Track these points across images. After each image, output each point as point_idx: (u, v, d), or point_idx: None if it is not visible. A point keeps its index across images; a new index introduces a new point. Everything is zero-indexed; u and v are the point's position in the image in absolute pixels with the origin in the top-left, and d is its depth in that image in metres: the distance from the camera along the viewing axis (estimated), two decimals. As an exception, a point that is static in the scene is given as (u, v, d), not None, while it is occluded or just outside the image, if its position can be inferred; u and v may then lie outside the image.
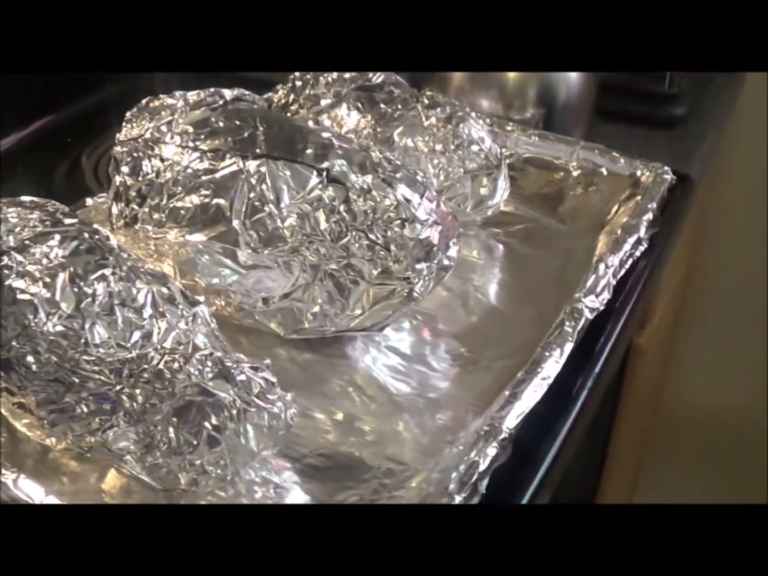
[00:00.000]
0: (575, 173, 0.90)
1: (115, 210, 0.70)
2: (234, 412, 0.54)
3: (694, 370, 1.73)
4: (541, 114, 1.03)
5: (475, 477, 0.55)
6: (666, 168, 0.89)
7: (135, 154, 0.69)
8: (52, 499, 0.55)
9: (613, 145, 0.93)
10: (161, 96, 0.72)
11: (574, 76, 1.03)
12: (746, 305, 1.62)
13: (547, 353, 0.64)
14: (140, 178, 0.68)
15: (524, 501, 0.58)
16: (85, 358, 0.54)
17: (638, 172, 0.88)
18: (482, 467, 0.55)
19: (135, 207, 0.68)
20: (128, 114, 0.72)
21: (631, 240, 0.78)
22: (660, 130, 1.17)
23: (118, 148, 0.70)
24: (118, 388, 0.54)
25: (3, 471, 0.56)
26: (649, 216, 0.81)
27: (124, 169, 0.69)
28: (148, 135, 0.69)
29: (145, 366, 0.54)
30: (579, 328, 0.67)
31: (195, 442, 0.53)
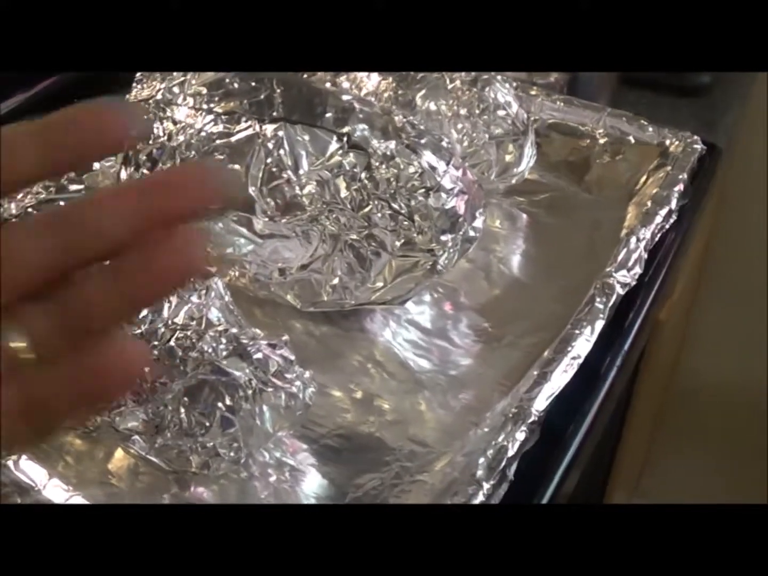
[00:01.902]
0: (602, 141, 0.86)
1: (124, 174, 0.66)
2: (249, 392, 0.51)
3: (710, 345, 1.70)
4: (566, 79, 0.99)
5: (503, 463, 0.52)
6: (696, 137, 0.85)
7: (146, 116, 0.65)
8: (55, 482, 0.52)
9: (638, 113, 0.89)
10: (173, 55, 0.69)
11: (600, 40, 1.00)
12: (763, 279, 1.60)
13: (577, 331, 0.61)
14: (151, 141, 0.64)
15: (552, 486, 0.56)
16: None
17: (667, 141, 0.85)
18: (511, 452, 0.52)
19: (146, 172, 0.64)
20: (138, 74, 0.68)
21: (663, 212, 0.75)
22: (685, 98, 1.14)
23: (127, 110, 0.67)
24: (126, 364, 0.51)
25: (3, 452, 0.53)
26: (680, 187, 0.78)
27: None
28: (159, 96, 0.65)
29: (155, 343, 0.51)
30: (611, 304, 0.64)
31: (207, 424, 0.51)
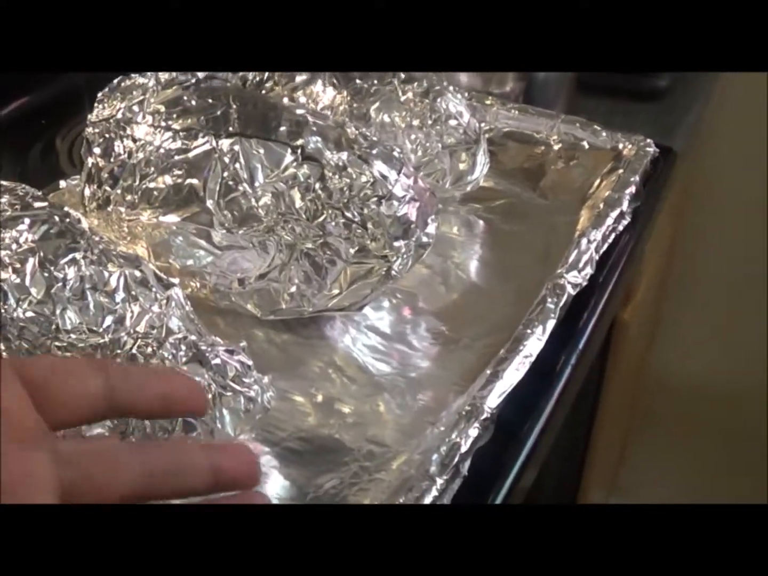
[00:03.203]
0: (556, 147, 0.89)
1: (87, 192, 0.68)
2: (209, 396, 0.52)
3: (679, 343, 1.73)
4: (521, 88, 1.02)
5: (456, 459, 0.54)
6: (648, 141, 0.88)
7: (107, 135, 0.67)
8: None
9: (595, 119, 0.92)
10: (133, 75, 0.71)
11: (554, 49, 1.02)
12: (731, 279, 1.62)
13: (528, 330, 0.63)
14: (112, 159, 0.66)
15: (508, 482, 0.57)
16: (57, 344, 0.53)
17: (620, 146, 0.87)
18: (464, 448, 0.54)
19: (107, 189, 0.66)
20: (100, 94, 0.70)
21: (614, 214, 0.77)
22: (643, 103, 1.16)
23: (89, 129, 0.69)
24: (89, 374, 0.53)
25: None
26: (632, 189, 0.81)
27: (96, 150, 0.68)
28: (119, 115, 0.67)
29: (118, 351, 0.53)
30: (561, 304, 0.66)
31: (170, 428, 0.52)
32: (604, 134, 0.88)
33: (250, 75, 0.83)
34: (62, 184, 0.79)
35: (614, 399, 1.34)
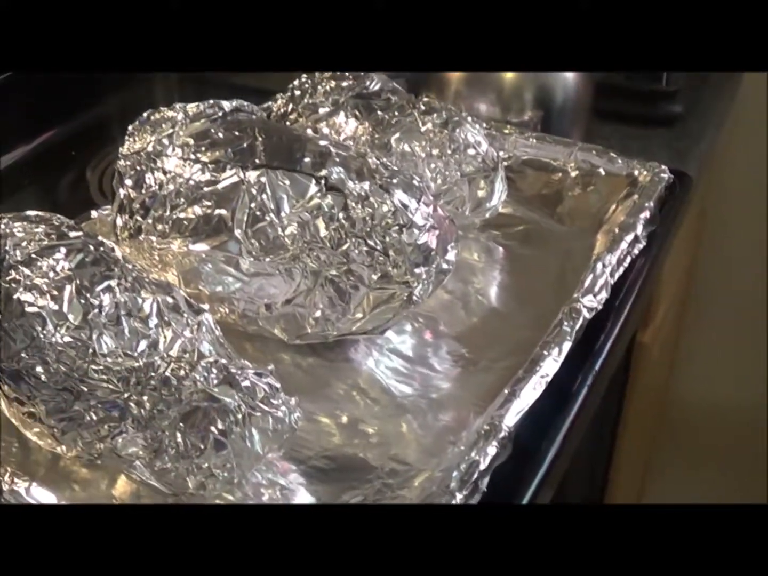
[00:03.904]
0: (573, 174, 0.91)
1: (119, 222, 0.71)
2: (239, 416, 0.55)
3: (700, 367, 1.74)
4: (539, 116, 1.04)
5: (475, 476, 0.56)
6: (663, 167, 0.90)
7: (138, 168, 0.70)
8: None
9: (611, 145, 0.94)
10: (162, 109, 0.73)
11: (570, 78, 1.05)
12: (749, 301, 1.64)
13: (545, 352, 0.65)
14: (143, 191, 0.69)
15: (526, 499, 0.59)
16: (93, 367, 0.55)
17: (635, 172, 0.90)
18: (483, 466, 0.56)
19: (139, 219, 0.69)
20: (130, 128, 0.73)
21: (629, 238, 0.79)
22: (658, 129, 1.19)
23: (121, 162, 0.71)
24: (126, 395, 0.55)
25: (15, 480, 0.57)
26: (647, 214, 0.83)
27: (128, 182, 0.70)
28: (150, 148, 0.70)
29: (152, 374, 0.55)
30: (577, 327, 0.68)
31: (202, 446, 0.55)
32: (619, 161, 0.91)
33: (275, 107, 0.86)
34: (94, 213, 0.82)
35: (635, 422, 1.35)
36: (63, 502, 0.57)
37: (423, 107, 0.82)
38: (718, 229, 1.60)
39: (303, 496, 0.60)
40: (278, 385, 0.58)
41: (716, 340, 1.71)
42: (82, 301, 0.57)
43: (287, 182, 0.66)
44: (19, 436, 0.62)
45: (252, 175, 0.66)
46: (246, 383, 0.56)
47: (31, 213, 0.64)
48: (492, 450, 0.57)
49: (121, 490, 0.60)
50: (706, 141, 1.21)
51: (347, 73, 0.85)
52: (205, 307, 0.62)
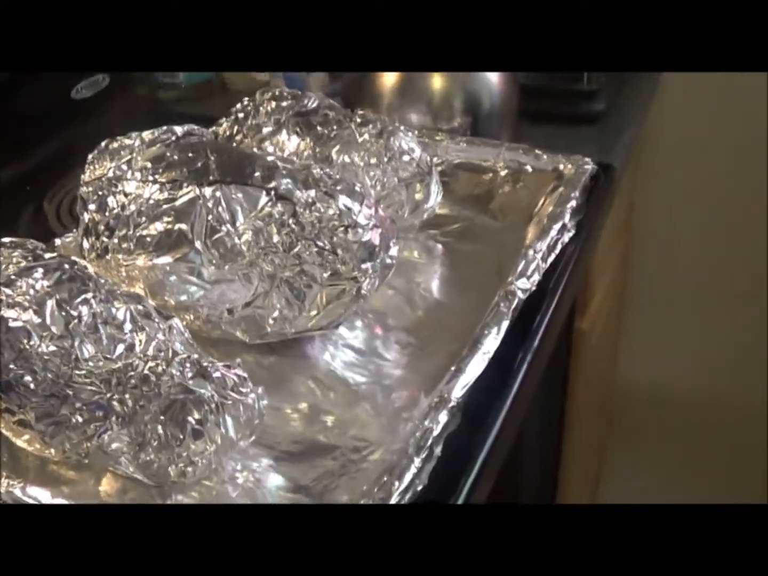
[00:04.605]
0: (502, 173, 0.98)
1: (86, 245, 0.77)
2: (213, 405, 0.61)
3: (643, 353, 1.81)
4: (468, 122, 1.11)
5: (430, 441, 0.62)
6: (586, 159, 0.97)
7: (100, 192, 0.76)
8: (59, 501, 0.61)
9: (540, 145, 1.01)
10: (118, 138, 0.79)
11: (495, 82, 1.12)
12: (683, 287, 1.71)
13: (486, 331, 0.72)
14: (107, 213, 0.75)
15: (477, 464, 0.66)
16: (77, 372, 0.61)
17: (561, 166, 0.97)
18: (436, 432, 0.63)
19: (105, 239, 0.75)
20: (90, 156, 0.79)
21: (557, 227, 0.86)
22: (582, 126, 1.26)
23: (83, 189, 0.77)
24: (108, 395, 0.61)
25: (10, 482, 0.62)
26: (573, 203, 0.90)
27: (91, 206, 0.76)
28: (110, 174, 0.76)
29: (132, 373, 0.61)
30: (513, 307, 0.75)
31: (181, 436, 0.61)
32: (545, 157, 0.98)
33: (220, 130, 0.92)
34: (57, 241, 0.87)
35: (582, 407, 1.42)
36: (57, 498, 0.62)
37: (359, 120, 0.88)
38: (648, 220, 1.68)
39: (274, 477, 0.66)
40: (245, 375, 0.64)
41: (656, 327, 1.78)
42: (63, 314, 0.63)
43: (240, 195, 0.72)
44: (9, 447, 0.67)
45: (207, 191, 0.72)
46: (217, 374, 0.62)
47: (5, 240, 0.70)
48: (443, 418, 0.64)
49: (107, 487, 0.65)
50: (628, 135, 1.28)
51: (286, 93, 0.91)
52: (173, 315, 0.68)
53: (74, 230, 0.87)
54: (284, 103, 0.90)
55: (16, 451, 0.67)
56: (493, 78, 1.12)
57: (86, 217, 0.77)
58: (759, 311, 1.66)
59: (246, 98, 0.93)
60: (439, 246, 0.92)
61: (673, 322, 1.76)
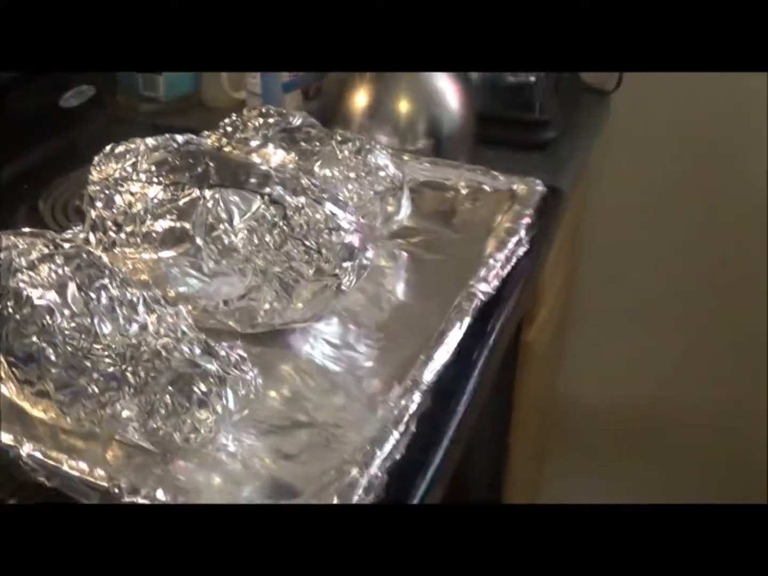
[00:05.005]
0: (463, 191, 1.09)
1: (92, 239, 0.85)
2: (217, 379, 0.69)
3: (584, 367, 1.92)
4: (431, 144, 1.21)
5: (406, 417, 0.71)
6: (538, 181, 1.08)
7: (107, 191, 0.84)
8: (72, 464, 0.69)
9: (495, 167, 1.11)
10: (123, 142, 0.87)
11: (455, 110, 1.22)
12: (623, 303, 1.82)
13: (450, 326, 0.82)
14: (115, 210, 0.83)
15: (448, 437, 0.75)
16: (96, 346, 0.69)
17: (515, 186, 1.07)
18: (411, 410, 0.72)
19: (112, 234, 0.83)
20: (96, 158, 0.87)
21: (514, 240, 0.96)
22: (534, 152, 1.36)
23: (91, 187, 0.85)
24: (123, 367, 0.69)
25: (32, 446, 0.70)
26: (527, 220, 1.00)
27: (98, 204, 0.84)
28: (117, 175, 0.84)
29: (145, 348, 0.69)
30: (473, 306, 0.85)
31: (187, 405, 0.69)
32: (501, 178, 1.08)
33: (209, 141, 1.00)
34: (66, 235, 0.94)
35: (525, 417, 1.51)
36: (72, 460, 0.69)
37: (339, 138, 0.97)
38: (593, 239, 1.79)
39: (263, 448, 0.73)
40: (245, 356, 0.72)
41: (597, 342, 1.89)
42: (83, 295, 0.71)
43: (237, 198, 0.80)
44: (22, 416, 0.74)
45: (207, 193, 0.80)
46: (222, 352, 0.71)
47: (26, 230, 0.78)
48: (417, 398, 0.73)
49: (114, 454, 0.72)
50: (576, 161, 1.39)
51: (272, 111, 1.00)
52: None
53: (72, 227, 0.95)
54: (270, 120, 0.99)
55: (29, 420, 0.74)
56: (453, 104, 1.22)
57: (93, 213, 0.84)
58: (695, 328, 1.78)
59: (234, 114, 1.02)
60: (405, 254, 1.01)
61: (613, 336, 1.87)
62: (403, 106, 1.20)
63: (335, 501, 0.64)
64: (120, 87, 1.45)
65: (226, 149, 0.98)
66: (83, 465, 0.68)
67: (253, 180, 0.82)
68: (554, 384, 1.88)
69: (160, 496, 0.65)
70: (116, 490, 0.66)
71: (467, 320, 0.83)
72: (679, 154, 1.67)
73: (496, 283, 0.89)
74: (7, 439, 0.70)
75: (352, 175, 0.95)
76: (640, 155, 1.70)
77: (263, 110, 1.00)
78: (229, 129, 1.00)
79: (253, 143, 0.97)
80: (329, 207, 0.82)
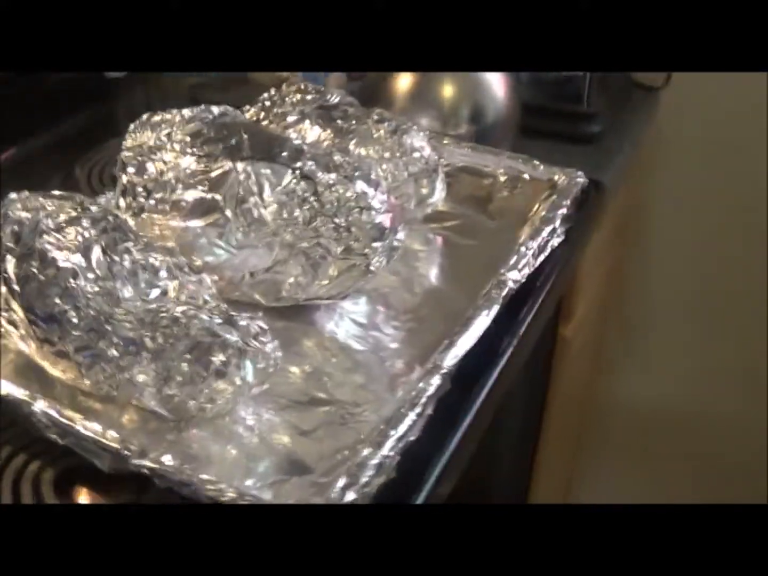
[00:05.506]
0: (502, 179, 1.07)
1: (122, 204, 0.85)
2: (237, 350, 0.69)
3: (625, 364, 1.90)
4: (473, 131, 1.19)
5: (424, 400, 0.70)
6: (579, 172, 1.06)
7: (140, 158, 0.84)
8: (87, 424, 0.68)
9: (537, 158, 1.09)
10: (159, 112, 0.87)
11: (501, 98, 1.20)
12: (672, 305, 1.81)
13: (478, 313, 0.80)
14: (145, 177, 0.83)
15: (465, 422, 0.74)
16: (117, 310, 0.69)
17: (555, 177, 1.06)
18: (429, 393, 0.71)
19: (142, 200, 0.83)
20: (131, 126, 0.87)
21: (548, 229, 0.95)
22: (579, 146, 1.34)
23: (125, 153, 0.85)
24: (142, 332, 0.69)
25: (47, 403, 0.70)
26: (563, 210, 0.98)
27: (130, 169, 0.84)
28: (151, 143, 0.84)
29: (164, 314, 0.69)
30: (503, 294, 0.83)
31: (205, 374, 0.68)
32: (541, 167, 1.07)
33: (248, 115, 1.00)
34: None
35: (559, 416, 1.49)
36: (86, 421, 0.69)
37: (376, 117, 0.97)
38: (642, 241, 1.77)
39: (280, 423, 0.73)
40: (266, 327, 0.72)
41: (643, 342, 1.87)
42: (107, 259, 0.71)
43: (268, 171, 0.80)
44: (42, 375, 0.74)
45: (239, 165, 0.80)
46: (243, 323, 0.70)
47: (56, 192, 0.78)
48: (436, 381, 0.72)
49: (130, 418, 0.73)
50: (622, 156, 1.37)
51: (311, 88, 0.99)
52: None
53: (105, 193, 0.95)
54: (308, 97, 0.98)
55: (48, 380, 0.74)
56: (499, 93, 1.21)
57: (125, 178, 0.84)
58: (746, 332, 1.75)
59: (273, 88, 1.01)
60: (439, 238, 1.00)
61: (660, 337, 1.86)
62: (448, 91, 1.18)
63: (344, 480, 0.64)
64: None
65: (264, 123, 0.97)
66: (97, 426, 0.68)
67: (285, 153, 0.81)
68: (594, 381, 1.86)
69: (167, 461, 0.65)
70: (126, 452, 0.66)
71: (496, 308, 0.82)
72: (729, 153, 1.64)
73: (527, 271, 0.88)
74: (22, 394, 0.70)
75: (386, 155, 0.94)
76: (692, 153, 1.67)
77: (302, 86, 1.00)
78: (268, 103, 0.99)
79: (290, 118, 0.96)
80: (361, 185, 0.81)
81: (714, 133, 1.64)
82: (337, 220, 0.79)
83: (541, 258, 0.93)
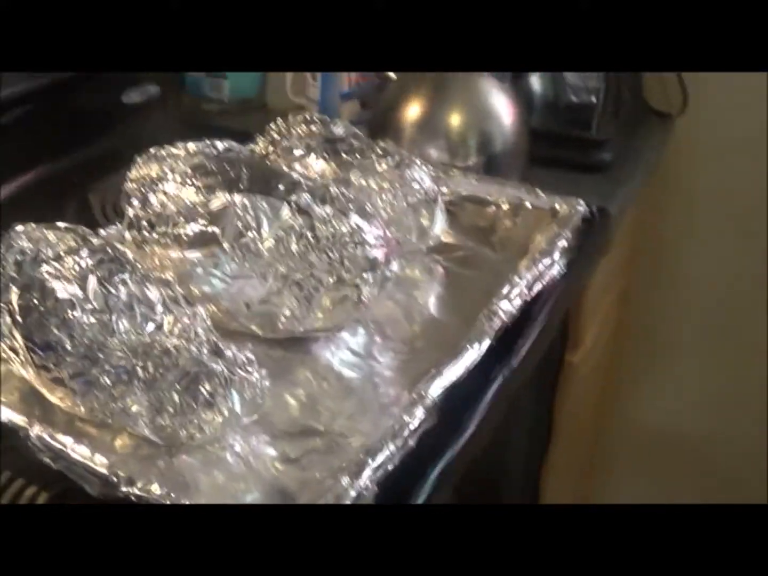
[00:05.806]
0: (505, 207, 1.09)
1: (128, 236, 0.87)
2: (223, 380, 0.71)
3: (638, 389, 1.90)
4: (482, 161, 1.20)
5: (406, 433, 0.72)
6: (580, 201, 1.07)
7: (143, 189, 0.86)
8: (80, 449, 0.70)
9: (545, 187, 1.11)
10: (165, 146, 0.90)
11: (509, 127, 1.22)
12: (686, 328, 1.82)
13: (468, 344, 0.82)
14: (149, 210, 0.85)
15: (448, 454, 0.75)
16: (111, 340, 0.71)
17: (556, 205, 1.07)
18: (412, 426, 0.73)
19: (146, 234, 0.85)
20: (138, 158, 0.89)
21: (546, 261, 0.96)
22: (588, 174, 1.36)
23: (129, 185, 0.88)
24: (133, 361, 0.71)
25: (41, 428, 0.72)
26: (563, 241, 1.00)
27: (135, 202, 0.87)
28: (154, 174, 0.87)
29: (157, 346, 0.71)
30: (494, 325, 0.85)
31: (194, 405, 0.70)
32: (543, 196, 1.08)
33: (257, 148, 1.02)
34: (102, 232, 0.96)
35: (566, 440, 1.50)
36: (79, 445, 0.71)
37: (380, 151, 0.99)
38: (653, 268, 1.78)
39: (269, 450, 0.74)
40: (253, 358, 0.74)
41: (656, 366, 1.88)
42: (104, 291, 0.73)
43: (264, 204, 0.82)
44: (42, 401, 0.77)
45: (238, 198, 0.83)
46: (229, 353, 0.72)
47: (60, 224, 0.80)
48: (420, 413, 0.74)
49: (123, 443, 0.75)
50: (632, 184, 1.38)
51: (316, 118, 1.02)
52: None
53: (117, 223, 0.98)
54: (314, 128, 1.01)
55: (49, 406, 0.77)
56: (508, 121, 1.22)
57: (131, 212, 0.87)
58: (759, 357, 1.75)
59: (279, 118, 1.04)
60: (440, 269, 1.02)
61: (672, 361, 1.86)
62: (455, 120, 1.20)
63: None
64: (186, 88, 1.48)
65: (272, 157, 1.00)
66: (86, 451, 0.70)
67: (281, 187, 0.83)
68: (605, 405, 1.86)
69: (155, 489, 0.67)
70: (114, 479, 0.67)
71: (486, 339, 0.83)
72: (746, 181, 1.65)
73: (519, 302, 0.89)
74: (20, 420, 0.72)
75: (386, 185, 0.96)
76: (707, 180, 1.68)
77: (307, 116, 1.02)
78: (276, 136, 1.02)
79: (297, 152, 0.99)
80: (356, 219, 0.83)
81: (731, 160, 1.64)
82: (331, 254, 0.81)
83: (537, 288, 0.94)
